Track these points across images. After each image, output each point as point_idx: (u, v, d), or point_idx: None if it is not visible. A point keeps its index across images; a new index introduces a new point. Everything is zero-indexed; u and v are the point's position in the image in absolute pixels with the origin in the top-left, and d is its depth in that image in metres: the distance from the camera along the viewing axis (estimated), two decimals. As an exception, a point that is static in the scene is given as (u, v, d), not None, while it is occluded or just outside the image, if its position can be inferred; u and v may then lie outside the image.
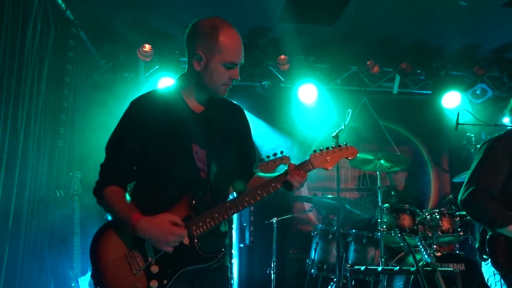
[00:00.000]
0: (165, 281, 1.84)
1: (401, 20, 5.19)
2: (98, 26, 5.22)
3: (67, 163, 4.61)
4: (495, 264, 2.52)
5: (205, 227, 1.89)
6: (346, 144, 2.10)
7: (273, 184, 1.95)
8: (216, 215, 1.90)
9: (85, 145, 4.92)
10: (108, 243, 1.90)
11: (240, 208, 1.93)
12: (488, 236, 2.56)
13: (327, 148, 2.05)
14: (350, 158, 2.08)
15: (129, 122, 2.00)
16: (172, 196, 1.92)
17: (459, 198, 2.60)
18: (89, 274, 4.31)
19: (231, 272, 2.20)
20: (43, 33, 4.08)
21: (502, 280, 2.53)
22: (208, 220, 1.90)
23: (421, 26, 5.28)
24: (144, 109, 1.99)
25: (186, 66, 2.03)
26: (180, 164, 1.96)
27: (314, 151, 2.04)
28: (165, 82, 5.62)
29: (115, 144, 2.00)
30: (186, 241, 1.87)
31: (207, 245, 1.91)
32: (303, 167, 1.98)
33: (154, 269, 1.86)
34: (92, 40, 5.39)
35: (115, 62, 5.81)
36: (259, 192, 1.93)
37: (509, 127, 2.66)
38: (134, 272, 1.85)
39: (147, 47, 5.50)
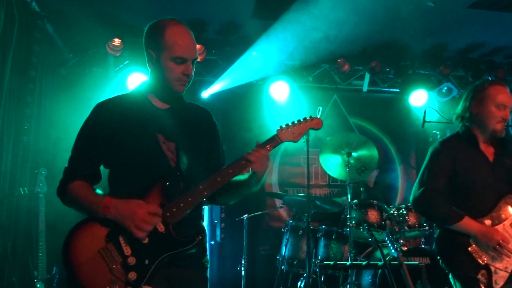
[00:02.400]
0: (144, 272, 1.83)
1: (371, 20, 5.26)
2: (65, 19, 5.06)
3: (32, 159, 4.47)
4: (443, 263, 2.65)
5: (180, 213, 1.89)
6: (310, 116, 2.15)
7: (242, 162, 1.98)
8: (189, 199, 1.91)
9: (52, 141, 4.79)
10: (80, 243, 1.86)
11: (214, 189, 1.94)
12: (436, 235, 2.71)
13: (293, 122, 2.11)
14: (316, 128, 2.14)
15: (93, 122, 2.02)
16: (144, 187, 1.92)
17: (411, 198, 2.74)
18: (54, 272, 4.20)
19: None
20: (7, 25, 3.93)
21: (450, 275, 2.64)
22: (182, 205, 1.90)
23: (390, 25, 5.37)
24: (108, 109, 2.02)
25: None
26: (148, 154, 1.97)
27: (281, 126, 2.09)
28: (135, 77, 5.52)
29: (79, 143, 2.01)
30: (161, 228, 1.87)
31: (184, 230, 1.92)
32: (271, 142, 2.03)
33: (131, 260, 1.83)
34: (59, 33, 5.23)
35: (83, 56, 5.65)
36: (230, 171, 1.96)
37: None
38: (111, 267, 1.82)
39: (117, 41, 5.38)
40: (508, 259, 2.49)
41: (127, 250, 1.85)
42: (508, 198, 2.62)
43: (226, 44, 5.73)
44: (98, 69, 5.79)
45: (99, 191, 1.97)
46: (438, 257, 2.67)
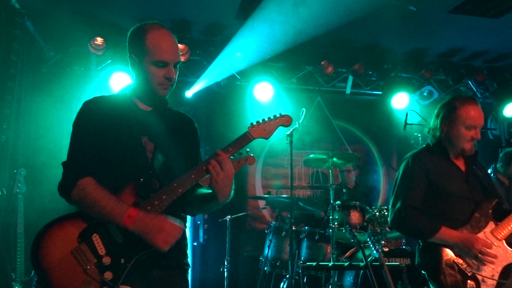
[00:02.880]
0: (120, 271, 1.80)
1: (354, 23, 5.31)
2: (46, 16, 4.98)
3: (10, 159, 4.38)
4: (429, 277, 2.60)
5: (154, 210, 1.87)
6: (280, 113, 2.17)
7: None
8: (164, 197, 1.89)
9: (31, 141, 4.70)
10: (51, 244, 1.82)
11: (188, 186, 1.92)
12: (419, 248, 2.67)
13: (263, 119, 2.12)
14: (286, 125, 2.15)
15: (84, 121, 2.00)
16: (119, 184, 1.90)
17: (389, 220, 2.72)
18: (32, 275, 4.12)
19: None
20: (-15, 22, 3.86)
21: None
22: (156, 202, 1.88)
23: (373, 29, 5.44)
24: (95, 108, 2.02)
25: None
26: (131, 155, 1.96)
27: (251, 123, 2.10)
28: (118, 77, 5.45)
29: (82, 138, 1.97)
30: None
31: None
32: (243, 139, 2.04)
33: (107, 260, 1.81)
34: (39, 31, 5.15)
35: (65, 54, 5.58)
36: (204, 168, 1.94)
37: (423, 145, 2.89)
38: (85, 268, 1.79)
39: (99, 40, 5.32)
40: (493, 266, 2.47)
41: (101, 250, 1.82)
42: (486, 206, 2.63)
43: (211, 45, 5.72)
44: (80, 68, 5.71)
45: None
46: (423, 272, 2.61)
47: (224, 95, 6.31)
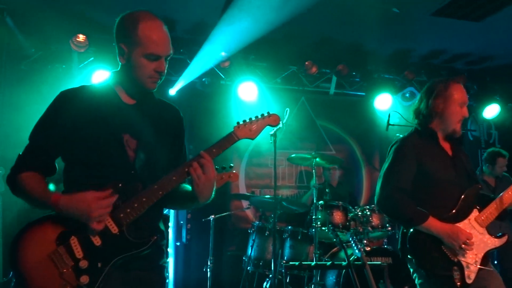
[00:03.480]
0: (96, 275, 1.77)
1: (339, 24, 5.35)
2: (26, 12, 4.89)
3: (-12, 158, 4.29)
4: (415, 261, 2.63)
5: (133, 213, 1.83)
6: (268, 112, 2.13)
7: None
8: (144, 199, 1.84)
9: (10, 140, 4.61)
10: (29, 245, 1.78)
11: (169, 188, 1.88)
12: (409, 234, 2.67)
13: (250, 118, 2.07)
14: (273, 125, 2.11)
15: (55, 112, 1.93)
16: (98, 185, 1.84)
17: (375, 199, 2.72)
18: (11, 276, 4.04)
19: (167, 271, 2.15)
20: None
21: (415, 273, 2.68)
22: (135, 205, 1.84)
23: (357, 30, 5.48)
24: (73, 100, 1.93)
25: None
26: (110, 153, 1.90)
27: (238, 123, 2.05)
28: (100, 75, 5.38)
29: (36, 132, 1.93)
30: (114, 229, 1.81)
31: (138, 231, 1.85)
32: (228, 140, 1.99)
33: (83, 264, 1.76)
34: (20, 27, 5.04)
35: (46, 51, 5.47)
36: (186, 169, 1.89)
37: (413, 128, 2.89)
38: (61, 271, 1.75)
39: (81, 37, 5.23)
40: (476, 253, 2.56)
41: (78, 253, 1.77)
42: (470, 192, 2.68)
43: (195, 43, 5.69)
44: (61, 65, 5.61)
45: (51, 186, 1.90)
46: (410, 256, 2.63)
47: (208, 94, 6.28)
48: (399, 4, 4.83)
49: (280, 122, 2.16)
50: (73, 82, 5.41)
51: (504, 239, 2.64)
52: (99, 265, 1.78)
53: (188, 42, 5.65)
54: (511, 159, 5.64)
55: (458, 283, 2.46)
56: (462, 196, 2.64)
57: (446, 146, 2.78)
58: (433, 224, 2.54)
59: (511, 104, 7.21)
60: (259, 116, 2.10)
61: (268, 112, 2.13)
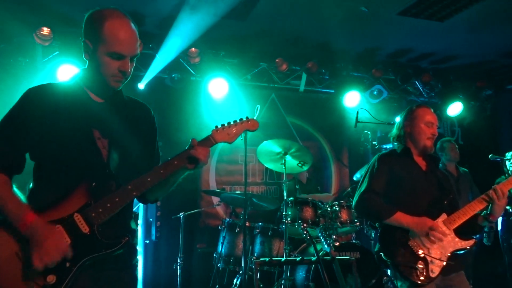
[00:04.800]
0: (64, 275, 1.72)
1: (308, 22, 5.40)
2: (-14, 3, 4.70)
3: None
4: (384, 255, 2.86)
5: (106, 213, 1.80)
6: (246, 117, 2.13)
7: (175, 162, 1.93)
8: (117, 199, 1.82)
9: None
10: None
11: (143, 189, 1.87)
12: (379, 233, 2.95)
13: (228, 122, 2.07)
14: (251, 129, 2.13)
15: (22, 109, 1.87)
16: (70, 184, 1.82)
17: (353, 204, 3.03)
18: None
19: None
20: None
21: (391, 267, 2.88)
22: (108, 205, 1.81)
23: (326, 28, 5.54)
24: (40, 97, 1.89)
25: None
26: (81, 150, 1.87)
27: (216, 126, 2.06)
28: (66, 70, 5.23)
29: (3, 130, 1.85)
30: (85, 229, 1.77)
31: (109, 231, 1.83)
32: (206, 143, 1.99)
33: None
34: (-21, 19, 4.84)
35: (8, 44, 5.27)
36: (162, 171, 1.89)
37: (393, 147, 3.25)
38: (27, 269, 1.70)
39: (46, 30, 5.07)
40: (442, 250, 2.76)
41: None
42: (440, 200, 2.93)
43: (164, 39, 5.61)
44: (25, 59, 5.43)
45: (17, 192, 1.83)
46: (381, 253, 2.86)
47: (178, 90, 6.22)
48: (367, 3, 4.91)
49: (258, 126, 2.17)
50: (37, 76, 5.24)
51: (471, 242, 2.84)
52: (67, 264, 1.74)
53: (158, 37, 5.56)
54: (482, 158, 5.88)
55: (422, 277, 2.68)
56: (431, 203, 2.90)
57: (421, 162, 3.08)
58: (401, 217, 2.80)
59: (473, 103, 7.48)
60: (238, 120, 2.10)
61: (246, 117, 2.13)
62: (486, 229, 4.68)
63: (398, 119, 3.23)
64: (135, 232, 2.02)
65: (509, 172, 6.00)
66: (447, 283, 2.77)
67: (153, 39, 5.57)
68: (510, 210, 5.16)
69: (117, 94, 2.03)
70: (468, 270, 5.38)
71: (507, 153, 4.81)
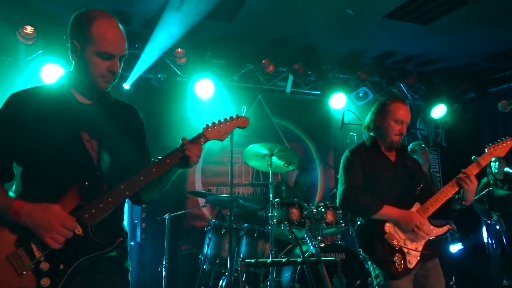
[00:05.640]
0: (58, 277, 1.70)
1: (295, 23, 5.41)
2: (-32, 1, 4.61)
3: None
4: (363, 251, 2.93)
5: (99, 214, 1.79)
6: (236, 114, 2.14)
7: (168, 160, 1.91)
8: (110, 199, 1.80)
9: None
10: None
11: (136, 188, 1.85)
12: (355, 228, 3.00)
13: (219, 120, 2.08)
14: (242, 126, 2.14)
15: (7, 115, 1.84)
16: (62, 187, 1.79)
17: (337, 201, 3.03)
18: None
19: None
20: None
21: (369, 262, 2.94)
22: (101, 205, 1.79)
23: (313, 30, 5.56)
24: (26, 101, 1.86)
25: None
26: (70, 153, 1.85)
27: (207, 125, 2.06)
28: (49, 69, 5.16)
29: None
30: (78, 230, 1.75)
31: (103, 231, 1.81)
32: (197, 140, 1.99)
33: (45, 266, 1.70)
34: (-40, 16, 4.75)
35: (-10, 43, 5.20)
36: (154, 170, 1.88)
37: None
38: (19, 272, 1.67)
39: (29, 29, 4.99)
40: (417, 241, 2.81)
41: (39, 255, 1.71)
42: (411, 189, 2.94)
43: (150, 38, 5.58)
44: (7, 57, 5.34)
45: (10, 193, 1.80)
46: (358, 246, 2.91)
47: (165, 91, 6.17)
48: (354, 5, 4.94)
49: (248, 123, 2.18)
50: (20, 75, 5.16)
51: (445, 228, 2.89)
52: (61, 267, 1.72)
53: (143, 37, 5.52)
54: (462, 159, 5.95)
55: (400, 268, 2.72)
56: (404, 193, 2.94)
57: (390, 154, 3.12)
58: (389, 210, 2.82)
59: (456, 105, 7.60)
60: (228, 118, 2.11)
61: (237, 115, 2.14)
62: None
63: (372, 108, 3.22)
64: (127, 233, 2.02)
65: (493, 173, 6.12)
66: (423, 272, 2.82)
67: (139, 39, 5.52)
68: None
69: (104, 95, 2.02)
70: (450, 270, 5.48)
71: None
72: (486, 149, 3.01)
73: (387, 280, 2.76)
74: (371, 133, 3.15)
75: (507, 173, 5.93)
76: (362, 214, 2.95)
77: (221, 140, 2.08)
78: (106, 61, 1.87)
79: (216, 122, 2.07)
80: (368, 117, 3.19)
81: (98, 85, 1.91)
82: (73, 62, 1.93)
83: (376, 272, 2.84)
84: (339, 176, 3.09)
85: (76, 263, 1.74)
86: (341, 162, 3.11)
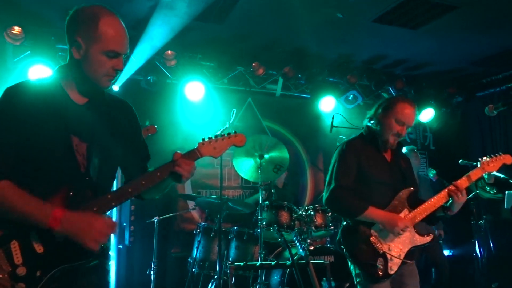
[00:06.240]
0: (33, 284, 1.66)
1: (285, 27, 5.43)
2: (-46, 0, 4.55)
3: None
4: (347, 251, 2.91)
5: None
6: (234, 131, 2.12)
7: (158, 174, 1.89)
8: (94, 209, 1.77)
9: None
10: None
11: (123, 200, 1.84)
12: (341, 229, 2.98)
13: (216, 136, 2.05)
14: (239, 145, 2.10)
15: (11, 111, 1.77)
16: (48, 193, 1.74)
17: (323, 199, 2.98)
18: None
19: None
20: None
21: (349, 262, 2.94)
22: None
23: (303, 33, 5.58)
24: (21, 98, 1.79)
25: (68, 55, 1.90)
26: (57, 156, 1.80)
27: (203, 139, 2.03)
28: (37, 70, 5.09)
29: (1, 135, 1.75)
30: (60, 238, 1.71)
31: None
32: (191, 156, 1.96)
33: (21, 271, 1.65)
34: None
35: (-24, 43, 5.13)
36: (143, 182, 1.86)
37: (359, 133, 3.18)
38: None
39: (17, 29, 4.93)
40: (401, 247, 2.81)
41: (18, 259, 1.67)
42: (402, 193, 2.92)
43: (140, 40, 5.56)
44: (-6, 58, 5.28)
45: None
46: (342, 247, 2.89)
47: (154, 93, 6.14)
48: (343, 9, 4.97)
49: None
50: (8, 76, 5.10)
51: (429, 238, 2.89)
52: (38, 273, 1.68)
53: (133, 38, 5.49)
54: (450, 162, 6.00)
55: (381, 273, 2.72)
56: (395, 196, 2.90)
57: (387, 153, 3.05)
58: (374, 212, 2.78)
59: (444, 109, 7.68)
60: (225, 135, 2.07)
61: (234, 132, 2.11)
62: None
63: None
64: (109, 238, 1.98)
65: (484, 178, 6.18)
66: (398, 271, 2.81)
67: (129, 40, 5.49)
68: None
69: (100, 93, 1.98)
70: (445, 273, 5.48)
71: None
72: (479, 163, 3.01)
73: (367, 283, 2.77)
74: (372, 127, 3.03)
75: (497, 177, 6.00)
76: (347, 214, 2.90)
77: (215, 157, 2.05)
78: (112, 59, 1.85)
79: (213, 138, 2.04)
80: (372, 110, 3.09)
81: (100, 84, 1.89)
82: (73, 59, 1.87)
83: (357, 271, 2.84)
84: (329, 167, 3.01)
85: (53, 271, 1.70)
86: (335, 153, 3.02)
